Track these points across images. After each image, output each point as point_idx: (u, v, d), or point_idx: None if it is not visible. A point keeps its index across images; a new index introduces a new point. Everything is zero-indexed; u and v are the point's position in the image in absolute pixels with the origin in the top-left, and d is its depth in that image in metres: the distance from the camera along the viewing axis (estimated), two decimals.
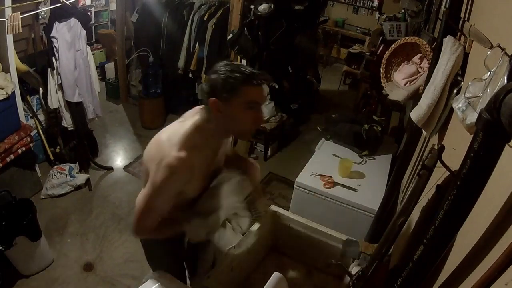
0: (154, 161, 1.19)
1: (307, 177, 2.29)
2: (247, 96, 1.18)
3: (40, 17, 3.47)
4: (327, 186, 2.19)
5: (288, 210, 1.76)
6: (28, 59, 3.21)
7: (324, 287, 1.58)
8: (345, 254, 1.51)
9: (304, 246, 1.64)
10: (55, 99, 3.09)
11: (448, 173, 0.95)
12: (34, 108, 3.20)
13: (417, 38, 1.83)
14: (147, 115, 4.38)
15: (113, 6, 5.24)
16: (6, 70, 2.66)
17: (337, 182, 2.23)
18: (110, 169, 3.55)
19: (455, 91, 1.19)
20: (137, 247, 2.66)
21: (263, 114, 1.27)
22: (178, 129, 1.24)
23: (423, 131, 1.40)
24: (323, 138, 2.81)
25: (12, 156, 2.69)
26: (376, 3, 6.34)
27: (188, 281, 1.68)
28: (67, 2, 2.61)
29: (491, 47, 0.86)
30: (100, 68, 5.00)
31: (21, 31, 2.32)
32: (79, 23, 2.97)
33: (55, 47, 2.90)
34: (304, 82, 4.70)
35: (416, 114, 1.35)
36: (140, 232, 1.29)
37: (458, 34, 1.35)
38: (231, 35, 3.42)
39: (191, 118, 1.28)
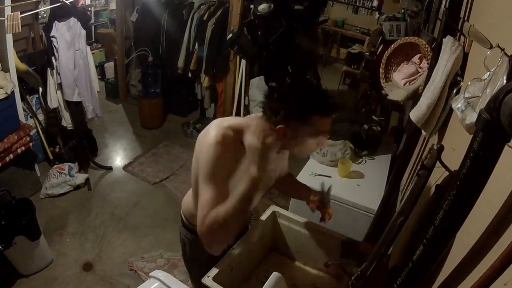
0: (201, 145, 1.15)
1: (306, 177, 2.29)
2: (317, 126, 1.13)
3: (39, 16, 3.47)
4: None
5: (288, 210, 1.76)
6: (28, 59, 3.20)
7: (324, 287, 1.58)
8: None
9: (304, 246, 1.63)
10: (54, 99, 3.09)
11: (447, 173, 0.95)
12: (34, 108, 3.20)
13: (416, 38, 1.83)
14: (146, 114, 4.38)
15: (112, 5, 5.24)
16: (6, 69, 2.65)
17: None
18: (110, 168, 3.55)
19: (454, 91, 1.19)
20: (136, 247, 2.68)
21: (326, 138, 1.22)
22: (228, 119, 1.20)
23: (423, 131, 1.40)
24: None
25: (11, 156, 2.68)
26: (375, 3, 6.35)
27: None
28: (67, 2, 2.61)
29: (491, 47, 0.86)
30: (100, 68, 5.01)
31: (20, 30, 2.32)
32: (78, 22, 2.97)
33: (55, 46, 2.90)
34: None
35: (416, 114, 1.35)
36: (209, 226, 1.06)
37: (458, 34, 1.35)
38: (230, 35, 3.42)
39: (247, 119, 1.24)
